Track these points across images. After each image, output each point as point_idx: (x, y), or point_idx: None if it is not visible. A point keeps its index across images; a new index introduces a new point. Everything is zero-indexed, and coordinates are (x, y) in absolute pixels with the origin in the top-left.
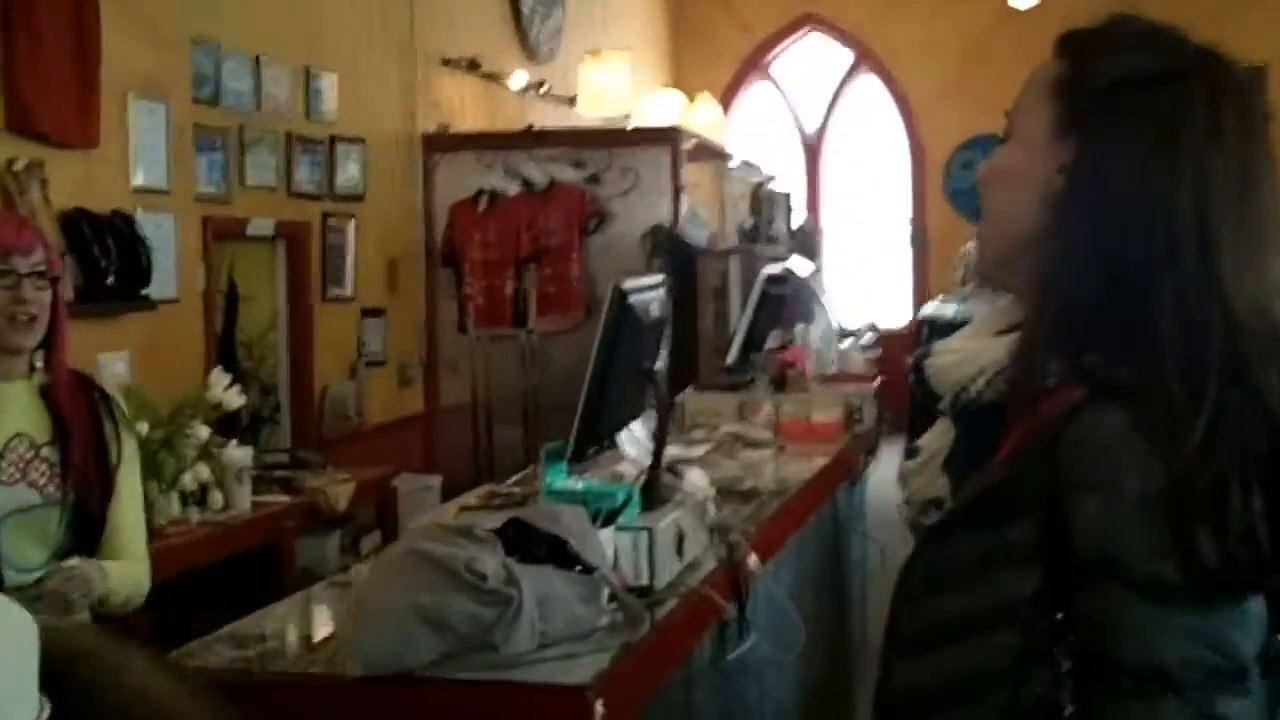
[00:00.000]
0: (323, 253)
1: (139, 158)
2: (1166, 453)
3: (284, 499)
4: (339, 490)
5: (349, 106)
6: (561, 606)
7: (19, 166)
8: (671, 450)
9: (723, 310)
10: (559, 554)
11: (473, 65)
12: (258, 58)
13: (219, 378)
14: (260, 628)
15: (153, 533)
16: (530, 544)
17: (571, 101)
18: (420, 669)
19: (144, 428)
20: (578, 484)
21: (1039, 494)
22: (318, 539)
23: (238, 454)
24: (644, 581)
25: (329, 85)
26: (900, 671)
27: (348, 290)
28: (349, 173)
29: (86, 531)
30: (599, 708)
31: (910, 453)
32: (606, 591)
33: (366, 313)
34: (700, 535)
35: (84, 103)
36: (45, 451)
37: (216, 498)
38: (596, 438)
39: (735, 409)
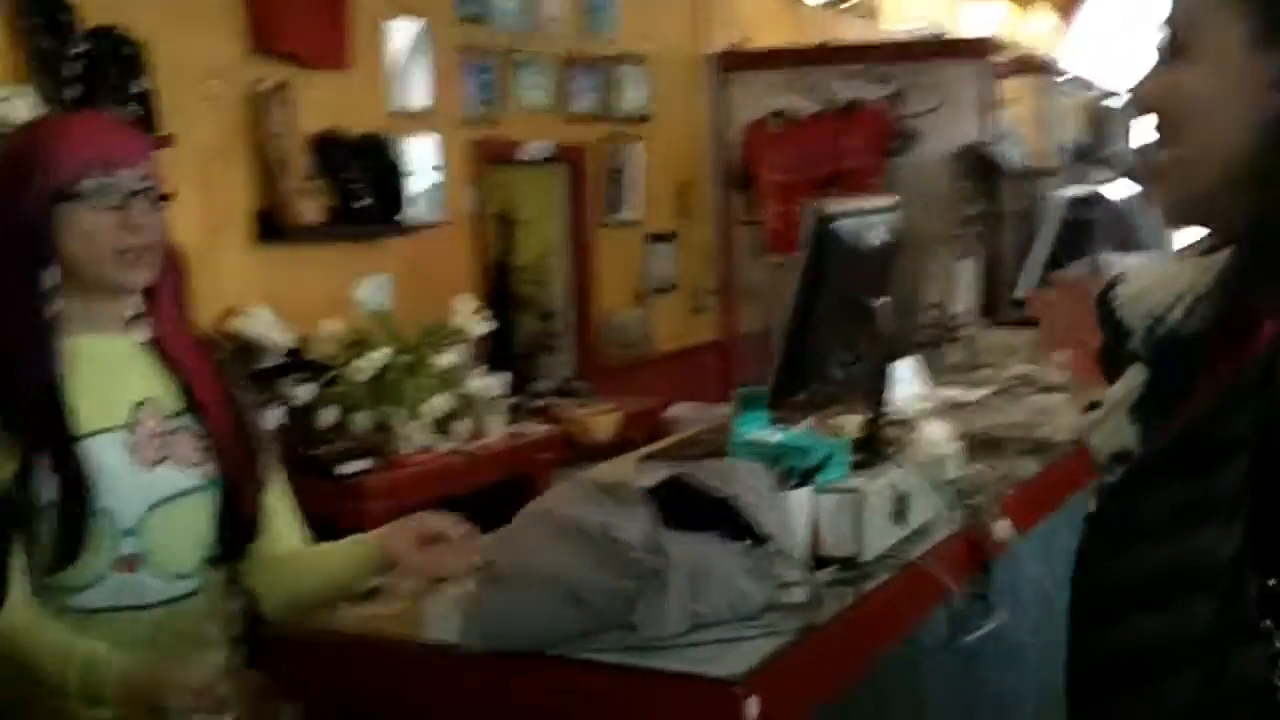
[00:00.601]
0: (605, 176)
1: (395, 79)
2: None
3: (540, 429)
4: (599, 421)
5: (633, 24)
6: (721, 582)
7: (265, 88)
8: (949, 392)
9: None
10: (727, 519)
11: None
12: None
13: (463, 304)
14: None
15: (395, 460)
16: (692, 507)
17: (875, 14)
18: (546, 647)
19: (384, 354)
20: (774, 435)
21: (1247, 437)
22: (576, 471)
23: (489, 382)
24: (848, 552)
25: (611, 2)
26: (1086, 643)
27: (633, 215)
28: (633, 93)
29: (238, 527)
30: (752, 705)
31: (1093, 405)
32: (783, 565)
33: (653, 238)
34: (931, 498)
35: (334, 23)
36: (181, 421)
37: (461, 426)
38: (799, 383)
39: (1030, 347)
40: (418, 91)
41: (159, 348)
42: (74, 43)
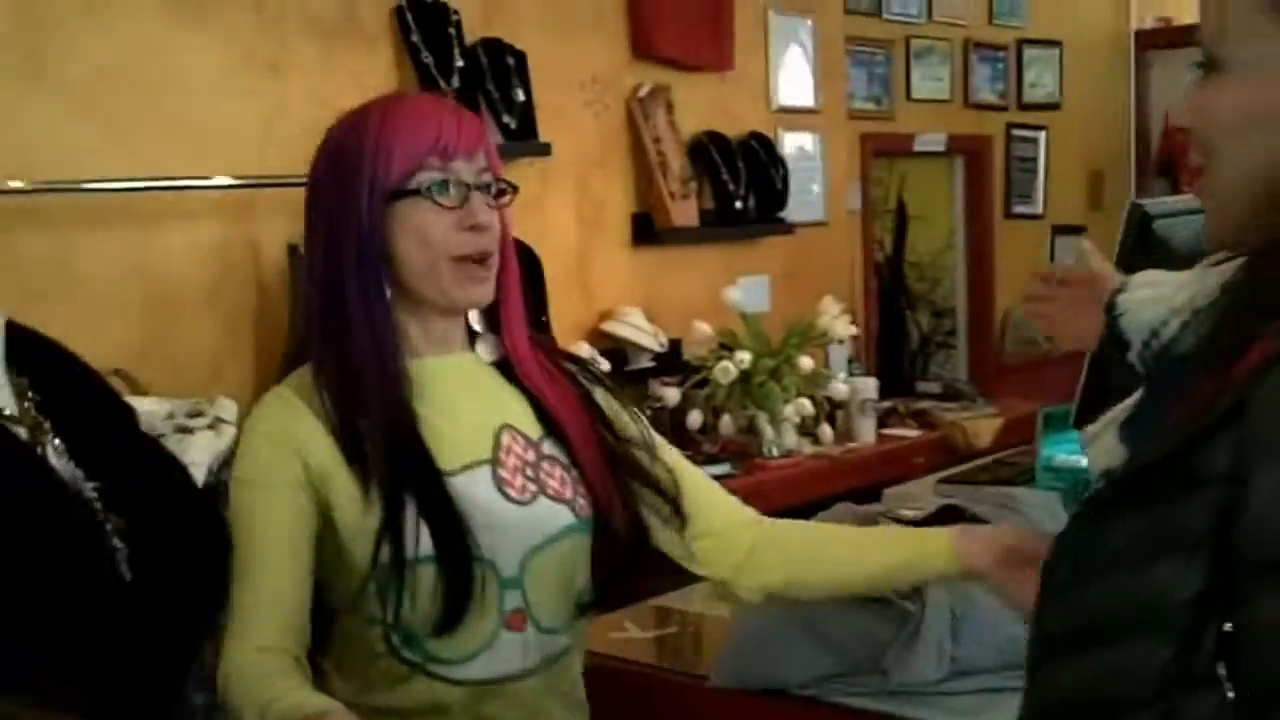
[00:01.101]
0: (1006, 167)
1: (780, 77)
2: None
3: (914, 433)
4: (981, 425)
5: (1043, 6)
6: (987, 626)
7: (644, 92)
8: None
9: None
10: None
11: None
12: None
13: (828, 305)
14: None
15: (757, 464)
16: None
17: None
18: (796, 687)
19: (749, 355)
20: (1081, 460)
21: (1218, 469)
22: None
23: (859, 384)
24: None
25: None
26: (1045, 676)
27: (1037, 207)
28: (1040, 79)
29: (612, 568)
30: None
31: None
32: None
33: (1059, 230)
34: None
35: (716, 25)
36: (548, 448)
37: (825, 431)
38: (1109, 399)
39: None
40: (802, 88)
41: (509, 365)
42: (457, 55)
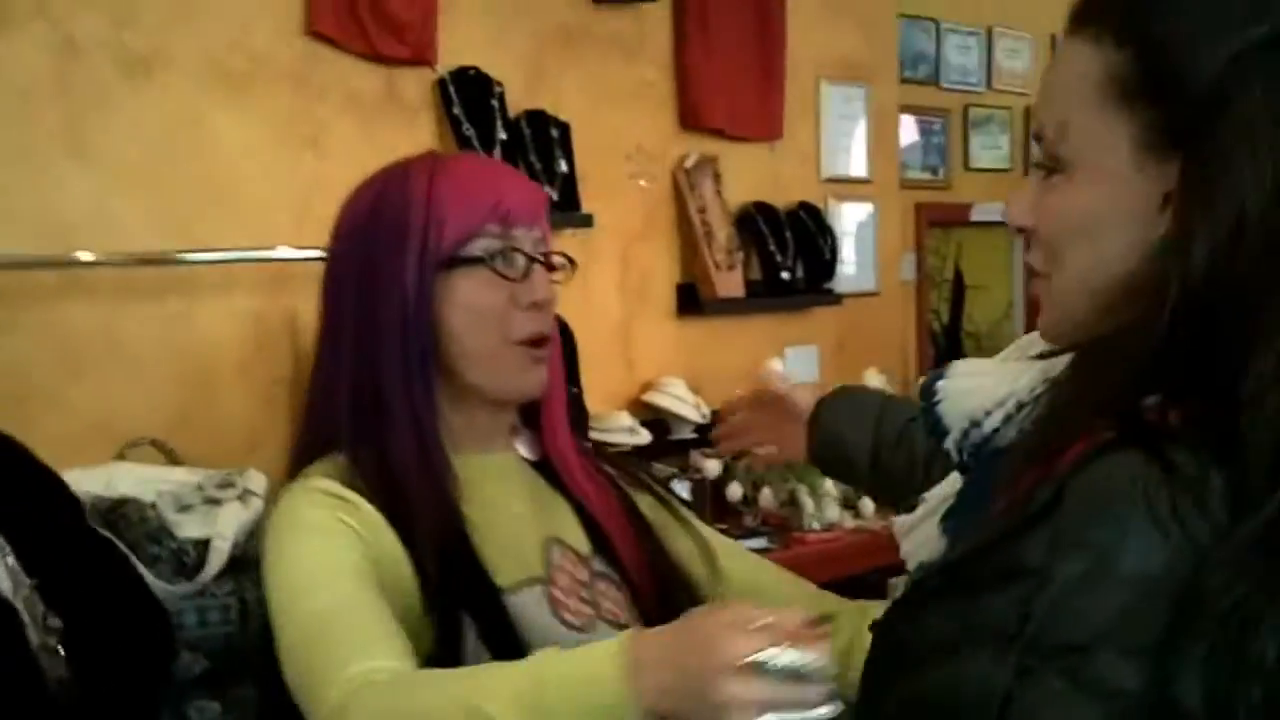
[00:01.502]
0: None
1: (831, 146)
2: (1196, 525)
3: None
4: None
5: None
6: None
7: (690, 162)
8: None
9: None
10: None
11: None
12: (990, 30)
13: (870, 377)
14: None
15: (795, 538)
16: None
17: None
18: None
19: None
20: None
21: (1033, 562)
22: None
23: None
24: None
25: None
26: None
27: None
28: None
29: None
30: None
31: (912, 506)
32: None
33: None
34: None
35: (766, 95)
36: (599, 565)
37: (866, 504)
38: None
39: None
40: (855, 157)
41: (548, 467)
42: (500, 128)
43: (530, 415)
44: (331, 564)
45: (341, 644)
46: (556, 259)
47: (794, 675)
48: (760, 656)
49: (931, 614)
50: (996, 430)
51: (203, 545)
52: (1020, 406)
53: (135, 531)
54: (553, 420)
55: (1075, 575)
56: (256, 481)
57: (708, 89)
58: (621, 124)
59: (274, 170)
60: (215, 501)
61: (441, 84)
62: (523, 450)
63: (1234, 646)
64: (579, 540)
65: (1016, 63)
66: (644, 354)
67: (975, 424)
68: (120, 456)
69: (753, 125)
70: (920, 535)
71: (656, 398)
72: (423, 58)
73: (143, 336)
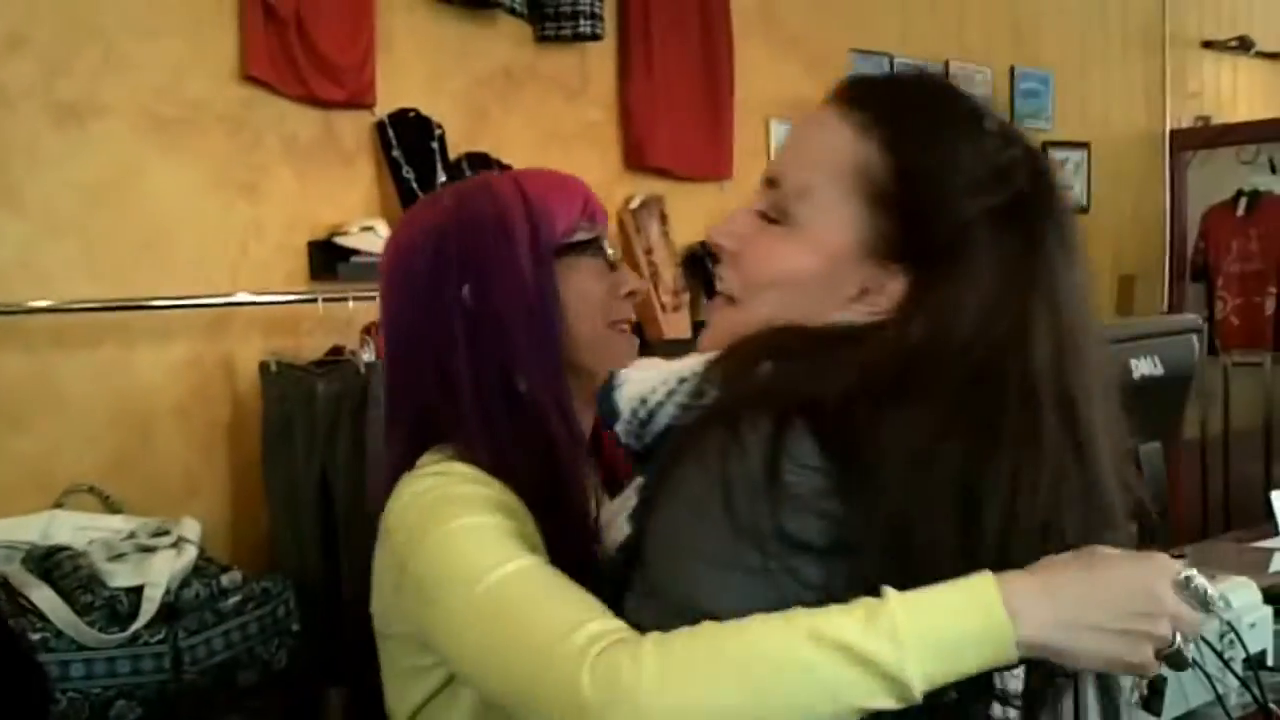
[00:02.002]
0: None
1: None
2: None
3: None
4: None
5: (1069, 108)
6: None
7: (635, 203)
8: None
9: None
10: None
11: (1244, 44)
12: (946, 63)
13: None
14: None
15: None
16: None
17: None
18: None
19: None
20: None
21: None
22: None
23: None
24: None
25: (1043, 86)
26: None
27: None
28: (1067, 182)
29: None
30: None
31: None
32: None
33: None
34: (1199, 681)
35: (713, 134)
36: None
37: None
38: None
39: None
40: None
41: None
42: (440, 170)
43: None
44: (505, 531)
45: (557, 607)
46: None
47: (1203, 599)
48: (1187, 574)
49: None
50: (661, 404)
51: (136, 593)
52: (681, 380)
53: (69, 580)
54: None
55: (654, 529)
56: (191, 529)
57: (653, 129)
58: (565, 165)
59: (209, 216)
60: (149, 549)
61: (380, 126)
62: None
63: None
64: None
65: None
66: None
67: (643, 401)
68: (58, 504)
69: (700, 165)
70: (618, 525)
71: None
72: (361, 101)
73: (78, 384)
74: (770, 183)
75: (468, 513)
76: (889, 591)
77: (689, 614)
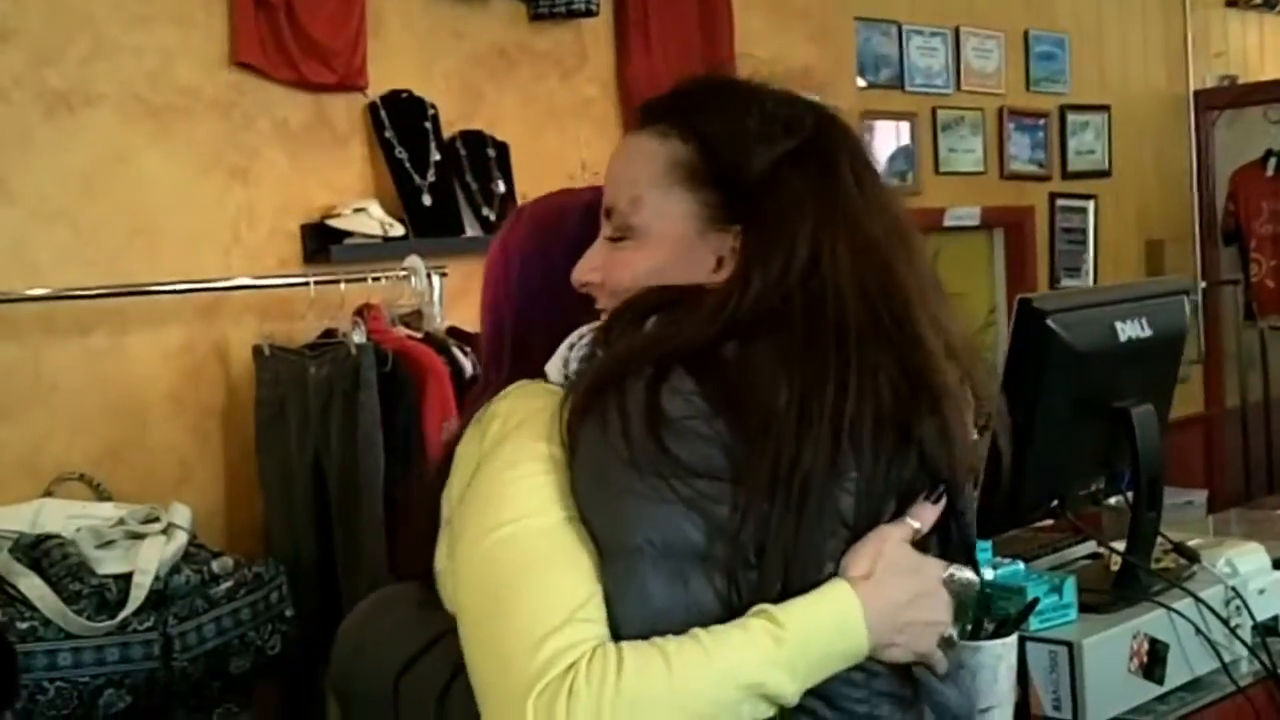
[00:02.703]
0: (1051, 239)
1: None
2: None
3: None
4: None
5: (1087, 71)
6: None
7: None
8: None
9: None
10: None
11: (1269, 3)
12: (956, 30)
13: None
14: None
15: None
16: None
17: None
18: None
19: None
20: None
21: None
22: None
23: None
24: (1063, 716)
25: (1058, 50)
26: None
27: (1087, 279)
28: (1087, 146)
29: None
30: None
31: None
32: None
33: None
34: (1205, 648)
35: None
36: None
37: None
38: (1030, 504)
39: None
40: None
41: None
42: (434, 150)
43: None
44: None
45: (544, 593)
46: None
47: (961, 592)
48: (953, 570)
49: None
50: (575, 369)
51: (125, 581)
52: (579, 339)
53: (58, 569)
54: None
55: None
56: (181, 516)
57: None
58: (563, 143)
59: (202, 201)
60: (138, 536)
61: (372, 108)
62: None
63: None
64: None
65: (987, 62)
66: None
67: (565, 360)
68: (48, 493)
69: None
70: None
71: None
72: (352, 83)
73: (69, 372)
74: (608, 213)
75: (528, 459)
76: (786, 620)
77: (624, 554)
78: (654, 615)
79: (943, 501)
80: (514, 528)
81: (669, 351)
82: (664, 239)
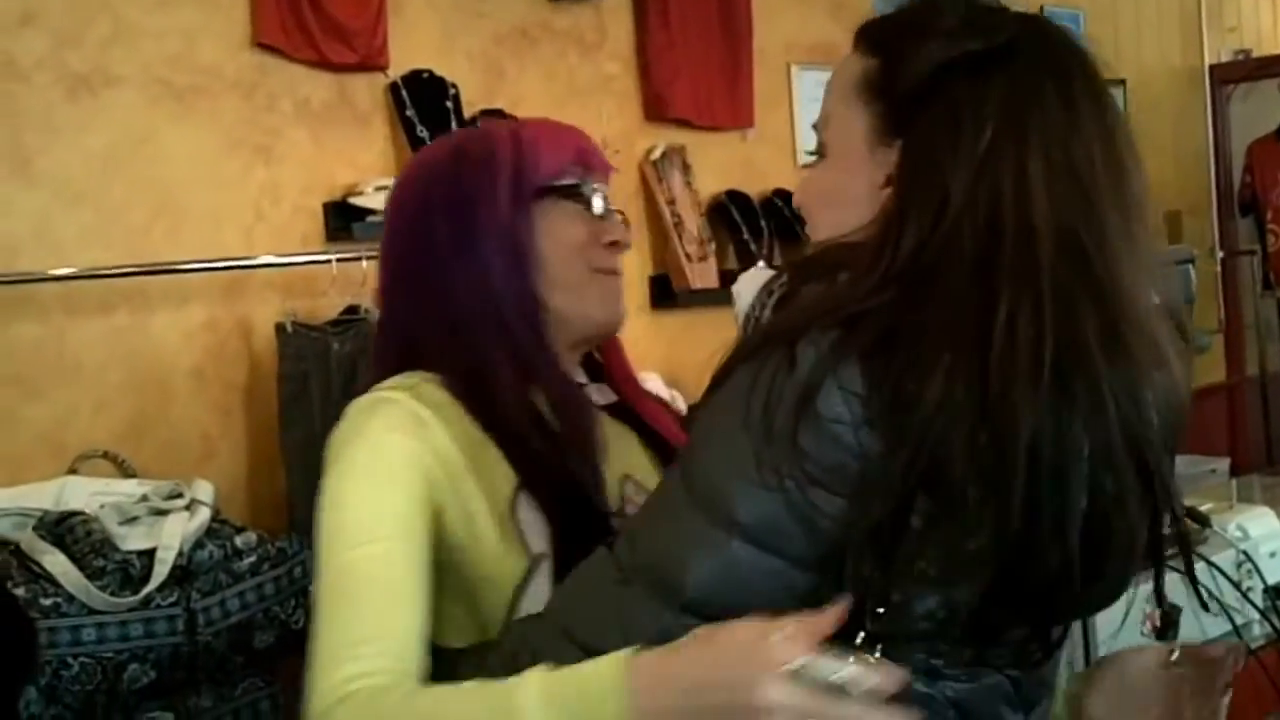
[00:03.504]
0: None
1: (807, 131)
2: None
3: None
4: None
5: (1102, 46)
6: None
7: (656, 154)
8: None
9: None
10: None
11: None
12: None
13: None
14: None
15: None
16: None
17: None
18: None
19: None
20: None
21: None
22: None
23: None
24: None
25: (1073, 25)
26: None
27: None
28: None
29: None
30: None
31: None
32: None
33: None
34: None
35: (733, 82)
36: None
37: None
38: None
39: None
40: None
41: (624, 408)
42: (456, 129)
43: (590, 369)
44: (377, 512)
45: (351, 624)
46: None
47: (835, 685)
48: (802, 662)
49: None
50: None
51: (148, 556)
52: (783, 283)
53: (81, 545)
54: (622, 361)
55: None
56: (204, 491)
57: (672, 80)
58: (584, 119)
59: (224, 181)
60: (161, 513)
61: (394, 88)
62: (595, 396)
63: None
64: (650, 476)
65: None
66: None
67: (755, 319)
68: (72, 470)
69: (722, 114)
70: None
71: None
72: (373, 63)
73: (93, 350)
74: (815, 129)
75: (350, 473)
76: (544, 693)
77: (713, 506)
78: (734, 583)
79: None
80: (353, 555)
81: (841, 322)
82: (840, 155)
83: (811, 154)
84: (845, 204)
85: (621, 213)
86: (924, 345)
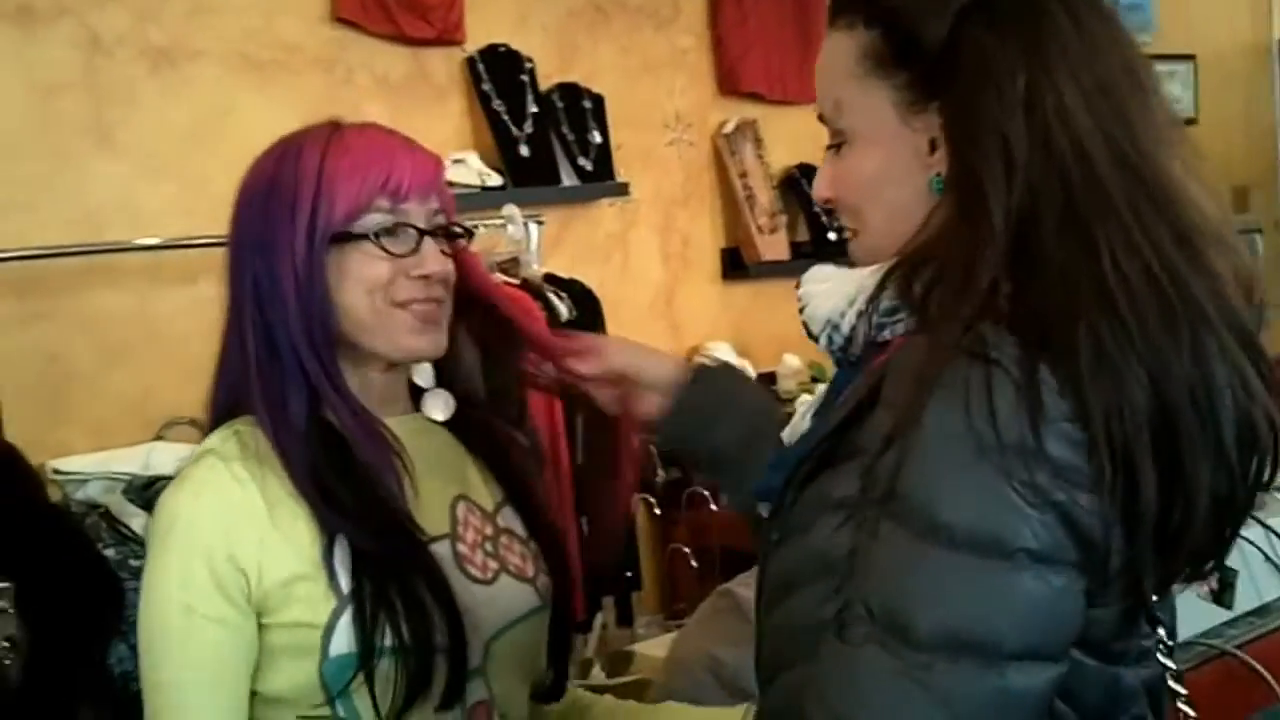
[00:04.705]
0: None
1: None
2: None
3: None
4: None
5: (1174, 21)
6: None
7: (729, 128)
8: None
9: None
10: None
11: None
12: None
13: None
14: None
15: None
16: None
17: None
18: None
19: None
20: None
21: (862, 444)
22: None
23: None
24: None
25: (1145, 1)
26: (760, 627)
27: None
28: (1174, 95)
29: (564, 655)
30: None
31: None
32: None
33: None
34: (1273, 575)
35: (805, 56)
36: (504, 520)
37: None
38: None
39: None
40: None
41: (462, 425)
42: (531, 102)
43: (445, 376)
44: (184, 640)
45: None
46: (450, 229)
47: None
48: None
49: (798, 493)
50: (854, 328)
51: None
52: (869, 301)
53: None
54: (462, 379)
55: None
56: None
57: (745, 54)
58: (657, 93)
59: None
60: None
61: (470, 62)
62: (434, 411)
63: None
64: (484, 497)
65: None
66: (689, 319)
67: (835, 326)
68: (159, 437)
69: (794, 88)
70: (794, 429)
71: (701, 361)
72: (450, 37)
73: (177, 320)
74: (821, 120)
75: (162, 583)
76: None
77: (985, 549)
78: (1025, 619)
79: None
80: (159, 678)
81: (1008, 325)
82: (872, 136)
83: (831, 146)
84: (894, 181)
85: (459, 225)
86: (1065, 323)
